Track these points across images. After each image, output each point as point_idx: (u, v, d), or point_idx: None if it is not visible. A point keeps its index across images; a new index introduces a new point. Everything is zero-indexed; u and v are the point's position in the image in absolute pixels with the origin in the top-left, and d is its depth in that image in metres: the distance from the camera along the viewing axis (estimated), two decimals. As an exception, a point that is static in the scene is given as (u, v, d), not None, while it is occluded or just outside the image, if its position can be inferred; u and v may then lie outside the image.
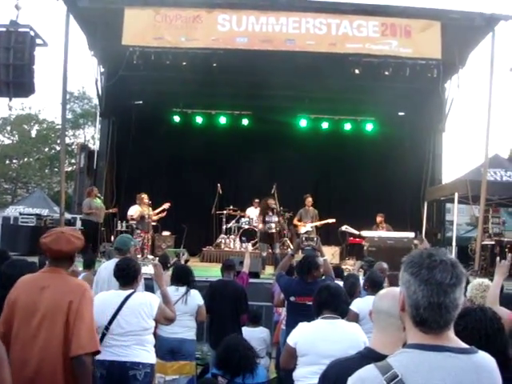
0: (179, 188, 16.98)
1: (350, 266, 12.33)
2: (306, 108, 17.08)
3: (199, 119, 17.42)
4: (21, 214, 16.99)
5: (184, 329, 6.11)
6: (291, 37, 12.11)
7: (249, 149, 16.80)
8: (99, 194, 13.63)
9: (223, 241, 15.29)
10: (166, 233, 14.94)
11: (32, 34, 10.26)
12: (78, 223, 13.86)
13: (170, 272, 6.97)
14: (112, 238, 14.48)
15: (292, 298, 5.68)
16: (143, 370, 4.50)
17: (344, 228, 13.69)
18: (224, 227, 15.62)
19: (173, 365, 5.77)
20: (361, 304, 5.57)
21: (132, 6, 12.06)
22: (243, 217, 15.57)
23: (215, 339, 6.60)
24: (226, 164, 17.52)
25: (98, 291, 5.41)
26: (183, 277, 6.36)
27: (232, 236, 15.40)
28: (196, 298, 6.30)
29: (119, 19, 11.75)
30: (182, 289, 6.22)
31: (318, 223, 13.60)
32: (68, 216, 15.09)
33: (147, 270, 8.54)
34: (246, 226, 15.27)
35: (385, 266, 7.29)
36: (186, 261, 10.58)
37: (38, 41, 10.44)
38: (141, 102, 17.12)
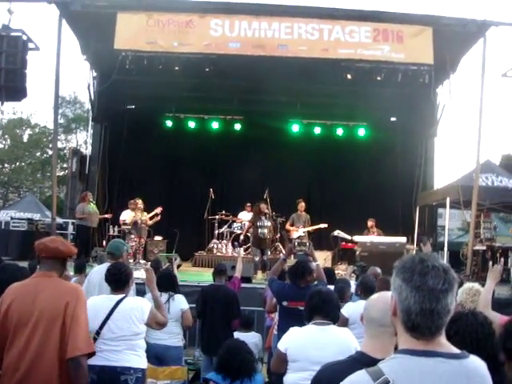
0: (171, 193, 17.00)
1: (342, 270, 12.35)
2: (299, 113, 17.08)
3: (192, 124, 17.39)
4: (12, 218, 16.95)
5: (168, 335, 6.04)
6: (283, 42, 12.13)
7: (241, 154, 16.78)
8: (92, 199, 13.60)
9: (215, 246, 15.26)
10: (158, 238, 14.90)
11: (24, 38, 10.26)
12: (70, 228, 13.84)
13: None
14: (104, 242, 14.48)
15: (285, 303, 5.66)
16: (134, 374, 4.46)
17: (336, 233, 13.69)
18: (216, 232, 15.60)
19: (164, 370, 5.74)
20: (351, 309, 5.57)
21: (124, 11, 12.06)
22: (235, 221, 15.56)
23: (207, 344, 6.59)
24: (219, 169, 17.55)
25: (89, 295, 5.38)
26: (165, 283, 6.26)
27: (224, 241, 15.39)
28: (179, 302, 6.26)
29: (112, 24, 11.73)
30: (165, 295, 6.13)
31: (310, 228, 13.58)
32: (60, 221, 15.05)
33: (139, 274, 8.53)
34: (239, 231, 15.25)
35: (378, 270, 7.30)
36: (179, 265, 10.56)
37: (31, 45, 10.44)
38: (133, 107, 17.13)
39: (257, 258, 12.03)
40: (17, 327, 3.27)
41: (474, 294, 4.79)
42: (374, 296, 2.75)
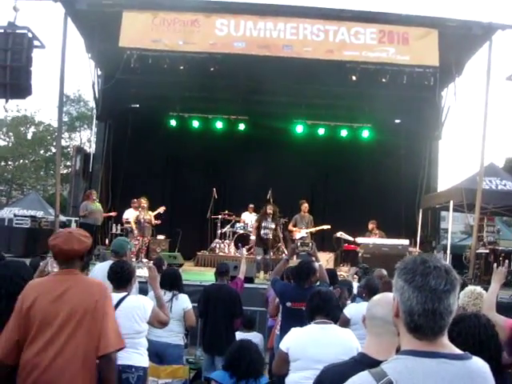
0: (174, 192, 16.99)
1: (345, 272, 12.33)
2: (303, 114, 17.07)
3: (196, 123, 17.37)
4: (15, 215, 16.96)
5: (169, 333, 6.00)
6: (289, 43, 12.13)
7: (245, 154, 16.76)
8: (96, 198, 13.63)
9: (218, 245, 15.26)
10: (160, 236, 14.90)
11: (30, 35, 10.27)
12: (73, 225, 13.84)
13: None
14: (107, 241, 14.49)
15: (288, 304, 5.64)
16: (136, 373, 4.47)
17: (339, 234, 13.68)
18: (219, 232, 15.59)
19: (166, 368, 5.73)
20: (354, 309, 5.55)
21: (130, 9, 12.07)
22: (238, 222, 15.56)
23: (208, 343, 6.59)
24: (222, 169, 17.54)
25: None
26: (170, 281, 6.24)
27: (227, 241, 15.37)
28: (182, 302, 6.22)
29: (117, 22, 11.75)
30: (169, 294, 6.11)
31: (313, 229, 13.53)
32: (63, 218, 15.07)
33: (142, 272, 8.53)
34: (241, 231, 15.24)
35: (384, 273, 7.25)
36: (180, 265, 10.57)
37: (36, 43, 10.45)
38: (137, 106, 17.12)
39: (259, 258, 12.06)
40: (40, 325, 3.19)
41: (475, 297, 4.77)
42: (377, 296, 2.75)
